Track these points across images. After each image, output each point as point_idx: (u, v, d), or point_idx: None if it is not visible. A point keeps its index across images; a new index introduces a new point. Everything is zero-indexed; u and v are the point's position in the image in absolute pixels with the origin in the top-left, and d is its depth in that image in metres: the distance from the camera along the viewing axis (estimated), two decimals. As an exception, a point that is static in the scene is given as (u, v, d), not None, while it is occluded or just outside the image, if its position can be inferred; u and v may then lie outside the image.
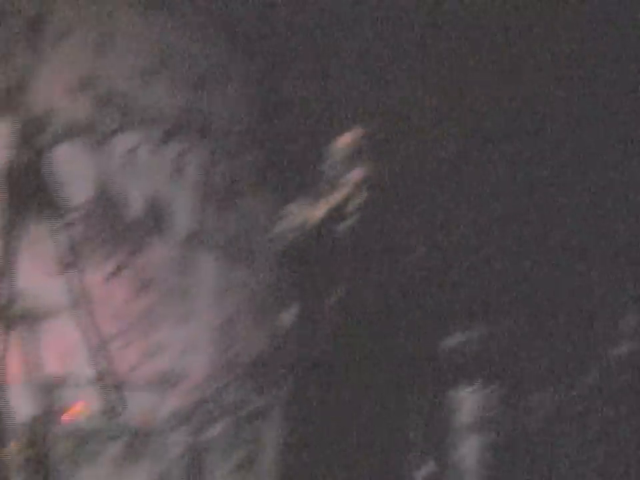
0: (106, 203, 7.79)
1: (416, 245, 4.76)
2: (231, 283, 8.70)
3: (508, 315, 7.95)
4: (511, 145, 8.15)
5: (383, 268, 4.47)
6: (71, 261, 2.14)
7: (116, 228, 7.85)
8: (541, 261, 8.07)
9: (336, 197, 4.48)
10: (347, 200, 4.43)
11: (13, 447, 5.79)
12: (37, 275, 6.88)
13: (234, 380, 8.55)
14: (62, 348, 6.98)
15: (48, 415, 6.05)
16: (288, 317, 4.39)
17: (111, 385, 2.03)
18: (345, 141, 4.72)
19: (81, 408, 6.10)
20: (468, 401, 7.37)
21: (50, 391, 6.11)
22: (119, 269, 7.80)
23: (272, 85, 9.06)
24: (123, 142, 8.01)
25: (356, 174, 4.45)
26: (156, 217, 8.23)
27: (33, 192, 1.90)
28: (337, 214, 4.43)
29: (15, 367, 6.83)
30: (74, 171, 7.46)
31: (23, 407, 6.35)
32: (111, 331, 7.59)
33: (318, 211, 4.45)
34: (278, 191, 8.70)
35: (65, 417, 6.00)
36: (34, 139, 6.31)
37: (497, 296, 8.08)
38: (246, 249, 8.67)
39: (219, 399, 8.38)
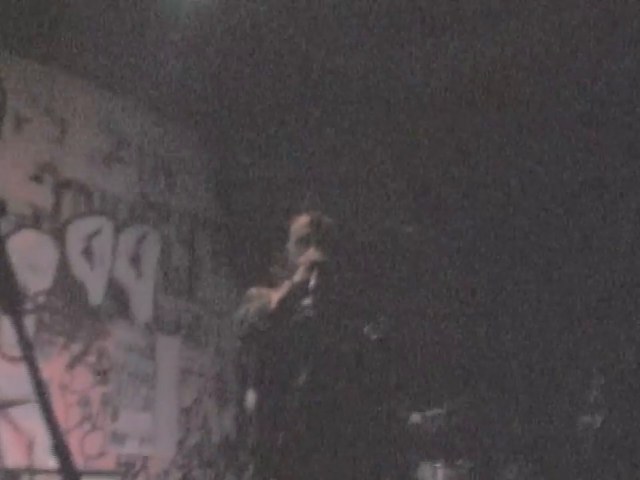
0: (66, 289, 7.76)
1: (378, 324, 4.82)
2: (193, 368, 8.76)
3: (473, 390, 7.99)
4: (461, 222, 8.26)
5: (345, 347, 4.52)
6: (30, 349, 2.17)
7: (77, 314, 7.79)
8: (505, 333, 8.12)
9: (295, 279, 4.56)
10: (306, 281, 4.51)
11: None
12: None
13: (198, 465, 8.51)
14: (23, 437, 6.95)
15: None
16: (251, 400, 4.42)
17: (75, 473, 2.03)
18: (301, 222, 4.85)
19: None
20: (437, 477, 7.42)
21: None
22: (80, 356, 7.73)
23: (229, 170, 9.22)
24: (82, 228, 8.01)
25: (312, 254, 4.55)
26: (116, 303, 8.21)
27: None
28: (297, 295, 4.49)
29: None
30: (35, 257, 7.46)
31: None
32: (75, 417, 7.57)
33: (278, 293, 4.52)
34: (236, 274, 8.76)
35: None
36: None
37: (461, 371, 8.20)
38: (207, 333, 8.71)
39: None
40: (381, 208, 8.26)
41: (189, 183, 9.14)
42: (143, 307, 8.47)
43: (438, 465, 7.39)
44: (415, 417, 7.33)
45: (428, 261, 8.19)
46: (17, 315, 2.18)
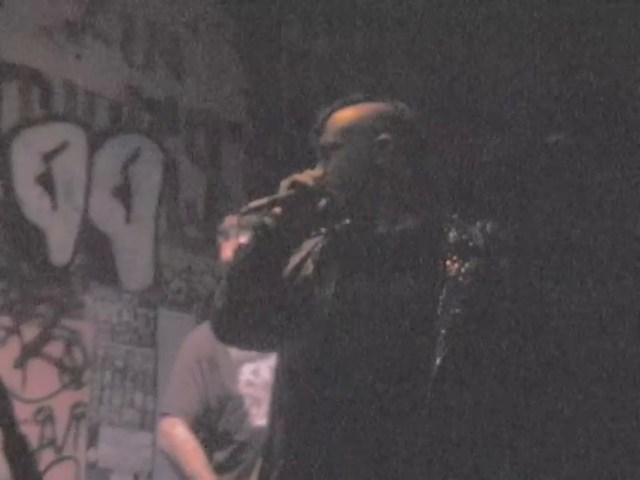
0: (14, 239, 6.13)
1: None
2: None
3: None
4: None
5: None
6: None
7: (32, 280, 6.17)
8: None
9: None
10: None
11: None
12: None
13: None
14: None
15: None
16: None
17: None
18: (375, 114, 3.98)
19: None
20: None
21: None
22: (38, 344, 6.12)
23: (261, 49, 7.86)
24: (38, 141, 6.35)
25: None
26: (94, 261, 6.50)
27: None
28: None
29: None
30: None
31: None
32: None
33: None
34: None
35: None
36: None
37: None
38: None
39: None
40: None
41: (205, 68, 7.40)
42: (136, 266, 6.78)
43: None
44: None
45: (580, 177, 7.21)
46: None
